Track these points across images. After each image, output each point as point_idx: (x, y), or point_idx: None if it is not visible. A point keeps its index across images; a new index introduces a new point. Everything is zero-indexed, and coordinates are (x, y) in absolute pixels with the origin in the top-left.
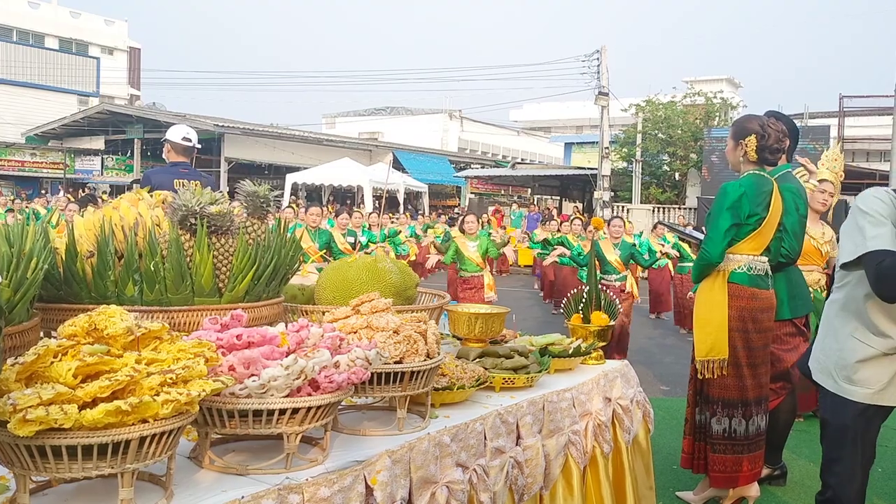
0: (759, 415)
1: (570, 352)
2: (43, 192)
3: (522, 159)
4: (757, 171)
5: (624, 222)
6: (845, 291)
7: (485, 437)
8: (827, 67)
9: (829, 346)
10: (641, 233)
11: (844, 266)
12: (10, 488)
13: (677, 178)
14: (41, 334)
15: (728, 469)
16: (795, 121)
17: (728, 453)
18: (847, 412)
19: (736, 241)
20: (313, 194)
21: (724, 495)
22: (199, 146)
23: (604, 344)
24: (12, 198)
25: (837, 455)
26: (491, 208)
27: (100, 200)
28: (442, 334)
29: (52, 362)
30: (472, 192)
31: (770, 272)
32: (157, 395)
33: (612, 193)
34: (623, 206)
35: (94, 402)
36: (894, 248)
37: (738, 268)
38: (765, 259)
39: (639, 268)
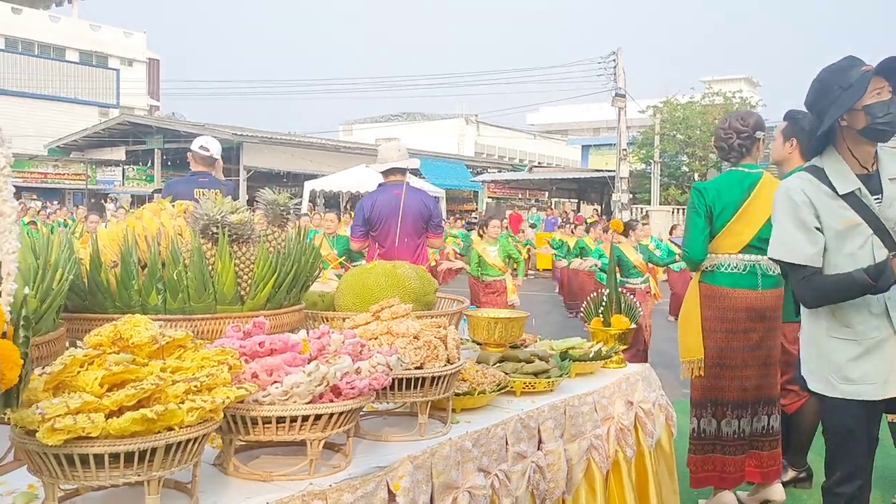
0: (742, 418)
1: (591, 355)
2: (56, 202)
3: (539, 163)
4: (734, 169)
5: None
6: None
7: (506, 442)
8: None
9: (812, 352)
10: (661, 238)
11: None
12: (39, 496)
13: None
14: (67, 344)
15: (699, 469)
16: None
17: (698, 453)
18: (850, 413)
19: (710, 240)
20: (331, 201)
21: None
22: (217, 157)
23: (625, 347)
24: (37, 209)
25: (841, 455)
26: (509, 212)
27: (110, 207)
28: (462, 339)
29: (79, 372)
30: (489, 197)
31: (767, 271)
32: (182, 402)
33: (631, 195)
34: (642, 208)
35: (120, 411)
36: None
37: (709, 267)
38: (752, 257)
39: (660, 271)
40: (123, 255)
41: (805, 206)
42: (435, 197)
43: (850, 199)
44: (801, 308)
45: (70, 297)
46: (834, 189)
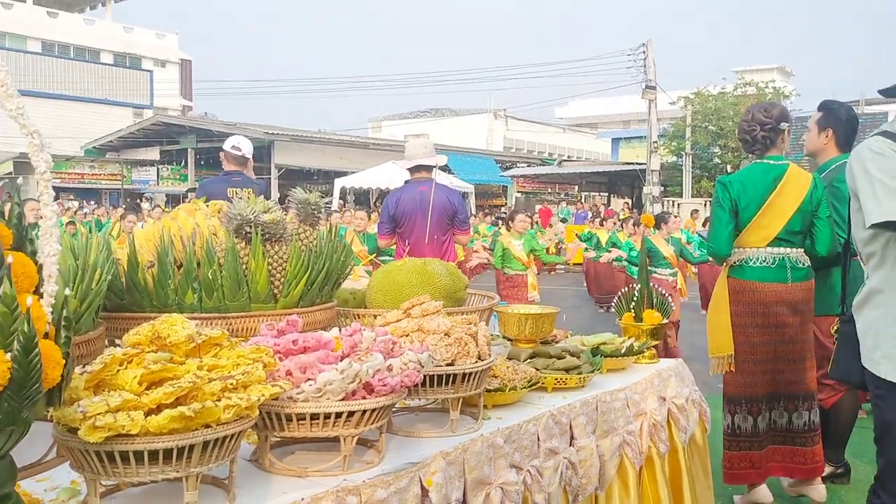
0: (774, 409)
1: (623, 351)
2: (93, 202)
3: (569, 156)
4: (758, 161)
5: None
6: (886, 269)
7: (538, 438)
8: (884, 51)
9: (888, 334)
10: (688, 228)
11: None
12: (81, 492)
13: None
14: (106, 343)
15: (734, 466)
16: (852, 108)
17: (733, 450)
18: None
19: (736, 234)
20: (361, 198)
21: (766, 500)
22: (249, 157)
23: (657, 342)
24: (74, 209)
25: None
26: (539, 207)
27: (145, 207)
28: (492, 335)
29: (119, 370)
30: (518, 192)
31: (796, 264)
32: (219, 400)
33: (662, 188)
34: (673, 201)
35: (158, 409)
36: None
37: (737, 262)
38: (781, 250)
39: (689, 269)
40: (160, 255)
41: None
42: (463, 192)
43: None
44: (870, 294)
45: (108, 297)
46: None
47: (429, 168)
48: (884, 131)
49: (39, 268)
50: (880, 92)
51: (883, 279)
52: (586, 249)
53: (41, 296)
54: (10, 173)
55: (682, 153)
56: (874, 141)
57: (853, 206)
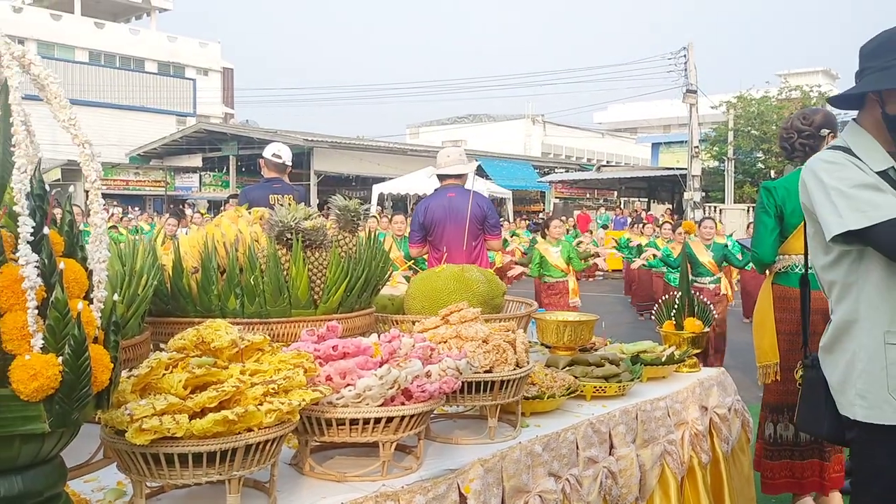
0: None
1: (664, 359)
2: (137, 208)
3: (608, 162)
4: (800, 168)
5: (715, 223)
6: (851, 299)
7: (577, 447)
8: None
9: (868, 372)
10: (732, 234)
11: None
12: (127, 493)
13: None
14: (151, 347)
15: (776, 476)
16: None
17: (774, 459)
18: None
19: (782, 241)
20: (398, 204)
21: None
22: (289, 164)
23: (698, 351)
24: (120, 216)
25: None
26: (577, 213)
27: (188, 213)
28: (530, 342)
29: (164, 374)
30: (556, 197)
31: None
32: (261, 404)
33: (704, 194)
34: (715, 207)
35: (202, 412)
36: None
37: (782, 268)
38: None
39: (734, 273)
40: (204, 261)
41: (855, 167)
42: (501, 198)
43: (884, 178)
44: (837, 328)
45: (154, 302)
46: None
47: (458, 175)
48: (835, 146)
49: (89, 274)
50: (829, 101)
51: (850, 310)
52: (627, 257)
53: (91, 301)
54: (58, 180)
55: (724, 158)
56: (825, 152)
57: (809, 230)
